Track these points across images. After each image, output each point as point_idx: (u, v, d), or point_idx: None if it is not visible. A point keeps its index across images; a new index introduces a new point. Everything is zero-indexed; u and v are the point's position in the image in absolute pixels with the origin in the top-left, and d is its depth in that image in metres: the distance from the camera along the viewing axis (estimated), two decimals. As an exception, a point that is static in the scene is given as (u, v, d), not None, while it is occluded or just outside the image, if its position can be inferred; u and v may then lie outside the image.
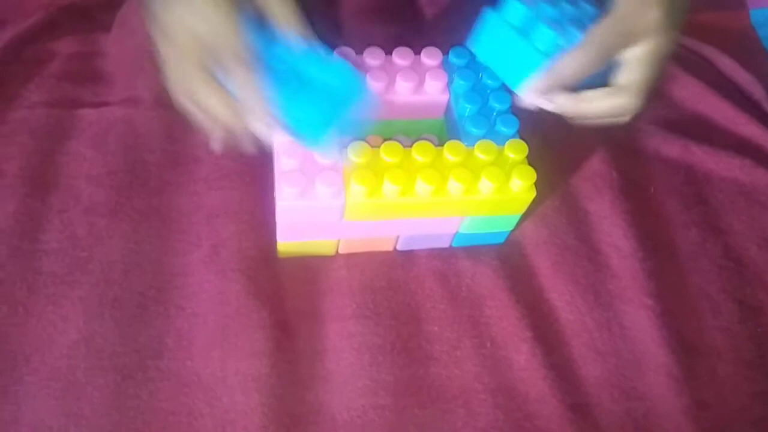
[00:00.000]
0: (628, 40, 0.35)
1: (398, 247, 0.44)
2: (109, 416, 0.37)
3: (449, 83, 0.41)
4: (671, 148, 0.52)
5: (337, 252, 0.44)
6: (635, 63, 0.36)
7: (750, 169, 0.51)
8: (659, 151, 0.52)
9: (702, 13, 0.66)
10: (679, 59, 0.59)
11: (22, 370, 0.38)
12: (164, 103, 0.49)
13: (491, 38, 0.38)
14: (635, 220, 0.46)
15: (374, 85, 0.39)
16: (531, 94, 0.37)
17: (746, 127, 0.54)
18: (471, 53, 0.41)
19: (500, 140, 0.39)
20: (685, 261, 0.47)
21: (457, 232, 0.43)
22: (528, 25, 0.37)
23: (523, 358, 0.41)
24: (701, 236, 0.48)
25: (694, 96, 0.56)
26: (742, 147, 0.53)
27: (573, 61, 0.35)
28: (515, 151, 0.39)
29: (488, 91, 0.41)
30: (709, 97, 0.55)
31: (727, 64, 0.58)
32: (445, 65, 0.42)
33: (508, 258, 0.45)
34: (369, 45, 0.49)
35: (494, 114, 0.40)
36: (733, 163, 0.51)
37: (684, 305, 0.44)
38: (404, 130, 0.44)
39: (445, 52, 0.42)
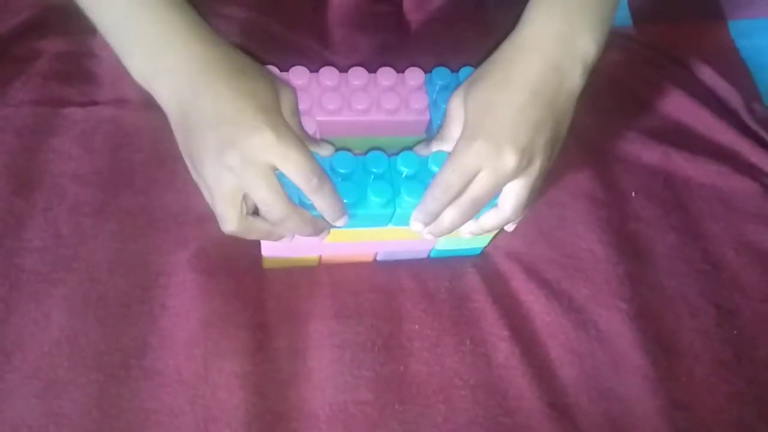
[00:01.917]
0: (468, 177, 0.35)
1: (378, 259, 0.45)
2: (91, 415, 0.37)
3: (431, 103, 0.42)
4: (651, 154, 0.53)
5: (320, 263, 0.45)
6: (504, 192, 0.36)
7: (727, 175, 0.52)
8: (640, 157, 0.53)
9: (682, 24, 0.67)
10: (659, 68, 0.60)
11: (2, 368, 0.38)
12: (152, 105, 0.49)
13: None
14: (611, 226, 0.47)
15: (357, 105, 0.40)
16: (417, 229, 0.38)
17: (724, 134, 0.55)
18: (452, 74, 0.42)
19: None
20: (664, 265, 0.47)
21: (433, 248, 0.44)
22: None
23: (502, 356, 0.41)
24: (680, 241, 0.49)
25: (674, 104, 0.57)
26: (720, 154, 0.54)
27: (429, 202, 0.36)
28: None
29: None
30: (688, 106, 0.57)
31: (706, 73, 0.60)
32: (428, 84, 0.42)
33: (485, 262, 0.45)
34: (355, 53, 0.49)
35: None
36: (711, 170, 0.52)
37: (662, 308, 0.45)
38: (386, 146, 0.45)
39: (429, 63, 0.43)
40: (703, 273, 0.47)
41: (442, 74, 0.42)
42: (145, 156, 0.47)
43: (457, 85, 0.41)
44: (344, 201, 0.36)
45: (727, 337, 0.45)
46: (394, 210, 0.37)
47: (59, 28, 0.53)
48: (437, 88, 0.42)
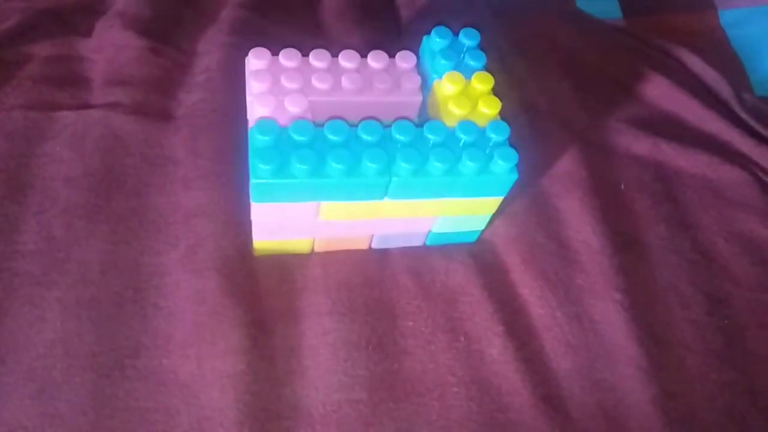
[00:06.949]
0: None
1: (373, 245, 0.45)
2: (86, 415, 0.37)
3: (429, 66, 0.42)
4: (641, 145, 0.53)
5: (312, 250, 0.44)
6: None
7: (717, 165, 0.52)
8: (629, 148, 0.53)
9: (672, 14, 0.67)
10: (649, 59, 0.60)
11: (-2, 371, 0.38)
12: (144, 110, 0.49)
13: None
14: (605, 217, 0.47)
15: (349, 85, 0.40)
16: None
17: (714, 124, 0.55)
18: (453, 35, 0.42)
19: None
20: (655, 256, 0.48)
21: (430, 231, 0.44)
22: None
23: (495, 351, 0.41)
24: (670, 231, 0.49)
25: (664, 95, 0.57)
26: (710, 144, 0.54)
27: None
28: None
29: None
30: (678, 96, 0.57)
31: (696, 63, 0.60)
32: (420, 67, 0.42)
33: (480, 255, 0.45)
34: (346, 45, 0.50)
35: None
36: (701, 160, 0.53)
37: (653, 299, 0.45)
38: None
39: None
40: (694, 263, 0.48)
41: (441, 33, 0.42)
42: (136, 158, 0.47)
43: (459, 46, 0.42)
44: (338, 169, 0.35)
45: (718, 326, 0.45)
46: (390, 179, 0.37)
47: (49, 32, 0.53)
48: (438, 48, 0.42)
